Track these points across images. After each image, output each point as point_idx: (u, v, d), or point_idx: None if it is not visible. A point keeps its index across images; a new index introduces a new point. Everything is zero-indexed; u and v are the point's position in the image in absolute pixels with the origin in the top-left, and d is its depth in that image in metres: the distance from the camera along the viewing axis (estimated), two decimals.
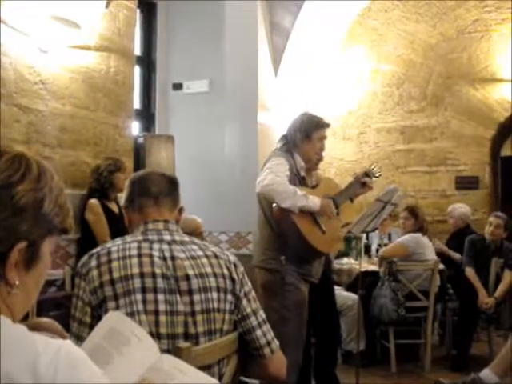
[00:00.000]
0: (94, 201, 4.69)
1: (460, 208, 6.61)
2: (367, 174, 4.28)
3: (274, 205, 3.71)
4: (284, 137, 4.07)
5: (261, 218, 3.98)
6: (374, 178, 4.35)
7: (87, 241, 4.51)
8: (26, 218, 1.06)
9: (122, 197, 2.26)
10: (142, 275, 1.92)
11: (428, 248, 5.62)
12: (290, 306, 3.82)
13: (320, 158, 4.12)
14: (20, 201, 1.05)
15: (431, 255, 5.59)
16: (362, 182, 4.20)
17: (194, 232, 4.06)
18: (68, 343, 1.04)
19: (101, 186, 4.74)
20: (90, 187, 4.79)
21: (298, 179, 3.90)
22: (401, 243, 5.62)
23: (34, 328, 1.28)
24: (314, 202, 3.73)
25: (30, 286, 1.11)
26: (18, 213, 1.05)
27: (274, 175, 3.66)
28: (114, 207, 4.81)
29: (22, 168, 1.08)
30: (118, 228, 4.45)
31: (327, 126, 4.09)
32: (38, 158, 1.14)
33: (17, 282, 1.05)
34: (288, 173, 3.76)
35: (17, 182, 1.06)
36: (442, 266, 5.69)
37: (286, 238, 3.80)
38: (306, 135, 3.96)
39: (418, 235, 5.60)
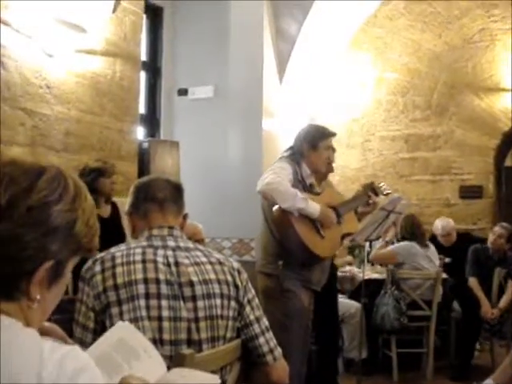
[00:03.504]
0: None
1: (449, 221, 6.60)
2: (375, 191, 4.27)
3: (275, 208, 3.71)
4: (291, 147, 4.07)
5: (262, 223, 3.98)
6: (381, 196, 4.34)
7: None
8: (57, 238, 1.06)
9: (121, 200, 2.26)
10: (145, 281, 1.92)
11: (422, 257, 5.58)
12: (287, 313, 3.80)
13: (330, 169, 4.11)
14: (55, 221, 1.06)
15: (428, 264, 5.56)
16: (367, 200, 4.19)
17: (191, 238, 4.04)
18: (74, 349, 1.05)
19: None
20: None
21: (302, 186, 3.88)
22: (391, 250, 5.65)
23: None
24: (313, 207, 3.71)
25: (50, 302, 1.12)
26: (51, 233, 1.05)
27: (276, 176, 3.67)
28: (102, 212, 4.68)
29: (59, 188, 1.08)
30: (107, 232, 4.40)
31: (333, 135, 4.08)
32: (75, 176, 1.15)
33: (38, 297, 1.06)
34: (291, 177, 3.75)
35: (54, 202, 1.06)
36: (445, 276, 5.69)
37: (283, 241, 3.78)
38: (313, 145, 3.95)
39: (412, 244, 5.59)
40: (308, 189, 3.93)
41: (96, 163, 4.63)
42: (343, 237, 4.11)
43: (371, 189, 4.26)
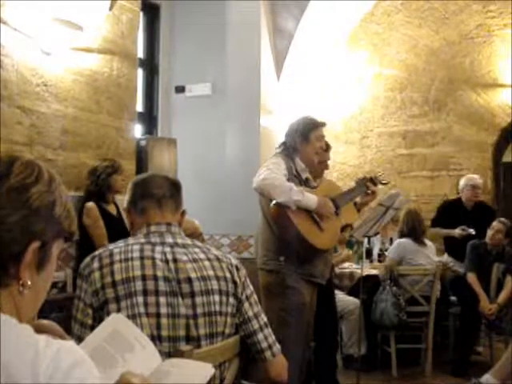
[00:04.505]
0: (90, 204, 4.55)
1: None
2: (373, 181, 4.27)
3: (272, 203, 3.71)
4: (283, 143, 4.08)
5: (262, 220, 3.99)
6: (379, 186, 4.35)
7: (86, 244, 4.45)
8: (39, 219, 1.10)
9: (123, 199, 2.26)
10: (143, 278, 1.92)
11: (418, 254, 5.60)
12: (288, 308, 3.81)
13: (324, 166, 4.13)
14: (35, 202, 1.10)
15: (425, 261, 5.57)
16: (366, 190, 4.19)
17: (192, 235, 4.05)
18: (69, 344, 1.05)
19: (98, 188, 4.63)
20: (87, 190, 4.68)
21: (298, 180, 3.89)
22: (388, 256, 5.72)
23: (35, 330, 1.28)
24: (310, 198, 3.71)
25: (40, 288, 1.14)
26: (33, 213, 1.09)
27: (271, 171, 3.68)
28: (111, 209, 4.73)
29: (35, 171, 1.13)
30: (117, 230, 4.42)
31: (322, 125, 4.09)
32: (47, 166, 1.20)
33: (29, 282, 1.08)
34: (285, 172, 3.77)
35: (32, 183, 1.11)
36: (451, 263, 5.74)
37: (283, 237, 3.79)
38: (304, 137, 3.97)
39: (406, 242, 5.60)
40: (304, 182, 3.94)
41: (105, 162, 4.69)
42: (342, 228, 4.12)
43: (369, 179, 4.26)
